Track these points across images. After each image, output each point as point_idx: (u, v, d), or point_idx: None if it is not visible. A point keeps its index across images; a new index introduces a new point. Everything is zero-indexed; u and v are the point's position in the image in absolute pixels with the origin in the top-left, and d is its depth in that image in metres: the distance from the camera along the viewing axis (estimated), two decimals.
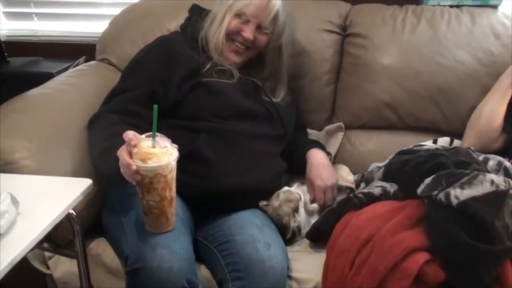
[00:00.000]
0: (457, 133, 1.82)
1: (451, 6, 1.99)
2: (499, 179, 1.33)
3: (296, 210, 1.58)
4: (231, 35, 1.66)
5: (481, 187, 1.30)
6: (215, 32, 1.65)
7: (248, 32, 1.64)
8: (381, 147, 1.89)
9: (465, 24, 1.90)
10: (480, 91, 1.81)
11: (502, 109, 1.67)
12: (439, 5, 2.01)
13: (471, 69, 1.84)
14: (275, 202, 1.57)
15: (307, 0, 2.09)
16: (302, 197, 1.63)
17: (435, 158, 1.44)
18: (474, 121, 1.71)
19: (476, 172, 1.34)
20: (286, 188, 1.62)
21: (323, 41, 1.98)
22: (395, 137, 1.92)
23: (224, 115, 1.59)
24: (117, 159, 1.25)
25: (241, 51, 1.68)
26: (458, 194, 1.29)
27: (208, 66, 1.63)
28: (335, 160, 1.92)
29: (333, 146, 1.93)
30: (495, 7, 1.96)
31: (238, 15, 1.64)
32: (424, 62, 1.87)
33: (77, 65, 2.17)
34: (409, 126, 1.93)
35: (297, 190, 1.65)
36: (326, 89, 1.99)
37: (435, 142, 1.78)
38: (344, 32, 2.01)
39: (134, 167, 1.19)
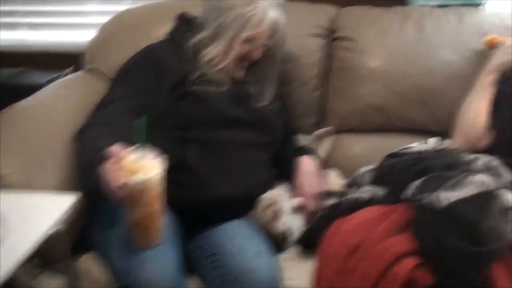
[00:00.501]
0: (448, 134, 1.80)
1: (438, 6, 1.99)
2: (488, 180, 1.34)
3: (279, 212, 1.56)
4: (240, 58, 1.66)
5: (469, 188, 1.31)
6: (222, 57, 1.62)
7: (258, 53, 1.66)
8: (370, 150, 1.89)
9: (452, 24, 1.90)
10: (465, 93, 1.78)
11: (484, 107, 1.66)
12: (425, 5, 2.01)
13: (459, 69, 1.84)
14: (256, 211, 1.57)
15: (295, 4, 2.08)
16: (284, 194, 1.63)
17: (423, 161, 1.45)
18: (459, 121, 1.71)
19: (465, 174, 1.34)
20: (264, 194, 1.60)
21: (311, 45, 1.98)
22: (385, 140, 1.91)
23: (212, 124, 1.58)
24: (101, 174, 1.24)
25: (245, 66, 1.70)
26: (446, 196, 1.29)
27: (196, 75, 1.62)
28: (325, 164, 1.90)
29: (323, 150, 1.92)
30: (479, 5, 1.97)
31: (249, 41, 1.63)
32: (411, 64, 1.88)
33: (66, 75, 2.16)
34: (398, 129, 1.92)
35: (277, 191, 1.63)
36: (314, 94, 1.99)
37: (422, 144, 1.76)
38: (332, 36, 2.01)
39: (120, 182, 1.19)
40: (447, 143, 1.75)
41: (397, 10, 1.99)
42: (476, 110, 1.67)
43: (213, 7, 1.66)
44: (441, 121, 1.86)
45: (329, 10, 2.07)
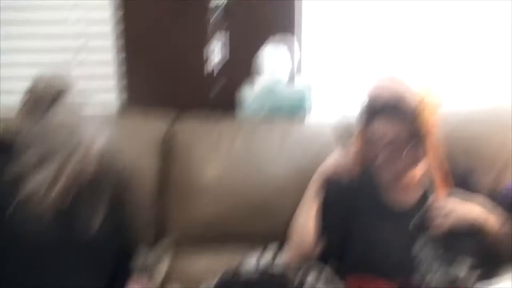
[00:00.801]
0: (280, 245, 1.88)
1: (264, 119, 2.08)
2: None
3: None
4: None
5: None
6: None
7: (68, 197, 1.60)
8: (212, 263, 1.90)
9: (278, 138, 2.01)
10: (294, 205, 1.86)
11: (312, 217, 1.76)
12: (253, 118, 2.09)
13: (285, 183, 1.94)
14: None
15: (129, 117, 2.14)
16: None
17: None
18: (290, 234, 1.80)
19: None
20: None
21: (147, 158, 2.00)
22: (224, 253, 1.94)
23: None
24: None
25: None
26: None
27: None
28: (168, 279, 1.91)
29: (164, 265, 1.92)
30: (306, 118, 2.09)
31: None
32: (243, 178, 1.96)
33: None
34: (237, 239, 1.97)
35: None
36: (153, 206, 2.00)
37: (261, 255, 1.79)
38: (168, 149, 2.04)
39: None
40: (282, 256, 1.80)
41: (228, 123, 2.08)
42: (304, 222, 1.77)
43: (36, 133, 1.56)
44: (276, 231, 1.92)
45: (168, 118, 2.10)
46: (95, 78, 2.21)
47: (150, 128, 2.09)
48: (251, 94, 2.10)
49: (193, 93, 2.14)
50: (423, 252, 1.66)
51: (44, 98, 1.55)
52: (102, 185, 1.66)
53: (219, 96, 2.13)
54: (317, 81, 2.20)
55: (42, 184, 1.51)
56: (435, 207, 1.68)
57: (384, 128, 1.68)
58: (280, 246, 1.84)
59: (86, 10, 2.16)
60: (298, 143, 2.01)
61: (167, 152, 2.04)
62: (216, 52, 2.04)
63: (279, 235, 1.90)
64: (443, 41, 2.23)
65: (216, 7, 1.99)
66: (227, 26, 2.07)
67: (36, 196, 1.51)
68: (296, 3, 2.12)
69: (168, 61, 2.15)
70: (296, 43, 2.14)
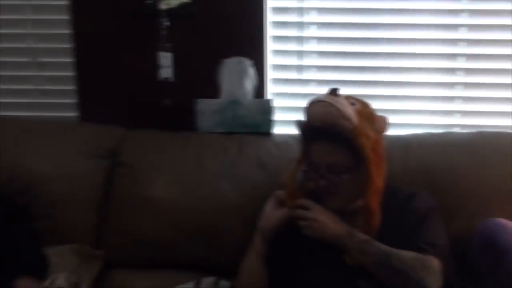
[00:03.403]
0: (223, 271, 1.72)
1: (223, 133, 1.95)
2: None
3: None
4: None
5: None
6: None
7: None
8: None
9: (231, 154, 1.86)
10: (244, 225, 1.72)
11: (259, 266, 1.59)
12: (211, 132, 1.96)
13: (235, 202, 1.77)
14: None
15: (83, 124, 2.07)
16: None
17: None
18: (238, 277, 1.64)
19: None
20: None
21: (91, 167, 1.88)
22: (161, 277, 1.77)
23: None
24: None
25: None
26: None
27: None
28: None
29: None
30: (266, 134, 1.95)
31: None
32: (187, 195, 1.79)
33: None
34: (173, 265, 1.80)
35: None
36: (92, 219, 1.84)
37: (198, 283, 1.68)
38: (115, 160, 1.90)
39: None
40: (223, 284, 1.68)
41: (182, 136, 1.93)
42: (250, 269, 1.61)
43: None
44: (216, 258, 1.77)
45: (117, 133, 1.98)
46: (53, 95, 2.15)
47: (104, 134, 1.97)
48: (210, 107, 1.97)
49: (146, 108, 2.02)
50: None
51: None
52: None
53: (175, 111, 2.00)
54: (280, 99, 2.07)
55: None
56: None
57: (319, 156, 1.55)
58: (218, 281, 1.68)
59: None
60: (258, 157, 1.85)
61: (115, 166, 1.89)
62: (167, 67, 1.93)
63: (218, 265, 1.75)
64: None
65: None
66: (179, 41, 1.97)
67: None
68: (259, 20, 2.00)
69: (119, 77, 2.05)
70: (260, 60, 2.02)
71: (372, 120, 1.54)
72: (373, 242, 1.48)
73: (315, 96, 1.54)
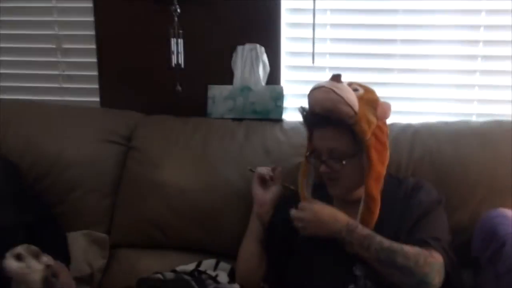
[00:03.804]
0: (225, 255, 1.76)
1: (233, 120, 1.98)
2: None
3: None
4: None
5: None
6: None
7: None
8: (150, 268, 1.74)
9: (238, 140, 1.88)
10: (246, 211, 1.74)
11: (258, 251, 1.65)
12: (222, 118, 1.99)
13: (238, 188, 1.79)
14: None
15: (100, 109, 2.13)
16: None
17: None
18: (237, 261, 1.69)
19: None
20: None
21: (105, 152, 1.94)
22: (164, 258, 1.82)
23: None
24: None
25: None
26: None
27: None
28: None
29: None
30: (277, 121, 1.96)
31: None
32: (192, 180, 1.82)
33: None
34: (177, 247, 1.84)
35: None
36: (104, 202, 1.91)
37: (199, 264, 1.71)
38: (129, 145, 1.97)
39: None
40: (223, 266, 1.71)
41: (193, 121, 1.97)
42: (246, 252, 1.67)
43: None
44: (217, 241, 1.81)
45: (133, 118, 2.04)
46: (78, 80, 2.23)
47: (120, 119, 2.04)
48: (221, 93, 2.01)
49: (161, 94, 2.05)
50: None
51: None
52: None
53: (188, 97, 2.01)
54: (294, 86, 2.07)
55: None
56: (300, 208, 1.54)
57: (321, 142, 1.57)
58: (217, 264, 1.71)
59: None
60: (263, 143, 1.86)
61: (129, 150, 1.96)
62: (178, 52, 1.94)
63: (219, 248, 1.79)
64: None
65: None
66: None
67: None
68: (275, 8, 2.00)
69: (136, 63, 2.10)
70: (275, 47, 2.02)
71: (375, 106, 1.53)
72: (375, 236, 1.47)
73: (317, 82, 1.54)
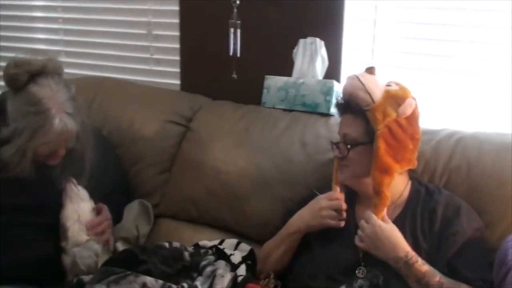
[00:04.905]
0: (248, 236, 1.85)
1: (284, 110, 2.02)
2: (154, 283, 1.42)
3: None
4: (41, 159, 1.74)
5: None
6: (16, 161, 1.66)
7: (57, 156, 1.74)
8: (182, 239, 1.86)
9: (278, 129, 1.92)
10: (272, 198, 1.81)
11: (279, 251, 1.66)
12: (274, 108, 2.04)
13: (266, 175, 1.85)
14: None
15: (168, 90, 2.29)
16: None
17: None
18: (263, 256, 1.72)
19: (128, 272, 1.44)
20: None
21: (166, 131, 2.09)
22: (195, 231, 1.95)
23: None
24: None
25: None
26: None
27: None
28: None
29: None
30: (325, 115, 1.96)
31: (44, 146, 1.69)
32: (227, 162, 1.91)
33: None
34: (207, 223, 1.95)
35: None
36: (161, 177, 2.07)
37: (221, 242, 1.79)
38: (188, 125, 2.11)
39: None
40: (243, 247, 1.77)
41: (244, 108, 2.06)
42: (269, 253, 1.69)
43: (15, 108, 1.71)
44: (241, 223, 1.88)
45: (199, 101, 2.18)
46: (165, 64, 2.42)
47: (184, 101, 2.19)
48: (276, 84, 2.06)
49: (224, 82, 2.15)
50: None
51: (17, 78, 1.69)
52: (83, 150, 1.78)
53: (246, 85, 2.11)
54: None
55: (10, 157, 1.65)
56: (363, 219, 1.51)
57: (340, 127, 1.62)
58: (238, 244, 1.79)
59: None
60: (301, 135, 1.89)
61: (187, 131, 2.10)
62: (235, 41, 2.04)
63: (243, 229, 1.87)
64: None
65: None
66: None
67: (9, 165, 1.66)
68: (339, 3, 2.00)
69: (206, 50, 2.24)
70: (336, 42, 2.02)
71: (400, 102, 1.52)
72: (434, 275, 1.43)
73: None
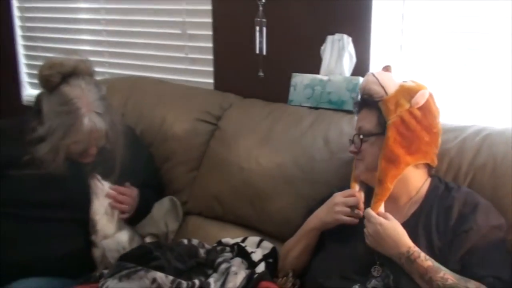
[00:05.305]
0: (270, 234, 1.85)
1: (310, 108, 2.01)
2: (164, 279, 1.44)
3: None
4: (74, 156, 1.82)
5: (138, 282, 1.43)
6: (51, 159, 1.74)
7: (89, 154, 1.82)
8: (208, 236, 1.91)
9: (302, 127, 1.91)
10: (294, 197, 1.81)
11: (297, 249, 1.65)
12: (300, 105, 2.03)
13: (289, 173, 1.84)
14: None
15: (198, 88, 2.32)
16: None
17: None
18: (285, 255, 1.72)
19: (139, 268, 1.46)
20: None
21: (197, 129, 2.13)
22: (220, 229, 1.97)
23: (23, 205, 1.80)
24: None
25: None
26: (112, 285, 1.43)
27: (26, 158, 1.77)
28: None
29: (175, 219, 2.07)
30: (351, 112, 1.90)
31: (76, 144, 1.78)
32: (248, 160, 1.92)
33: None
34: (232, 221, 1.97)
35: None
36: (190, 175, 2.11)
37: (244, 240, 1.81)
38: (217, 124, 2.14)
39: None
40: (265, 245, 1.78)
41: (271, 106, 2.07)
42: (289, 249, 1.68)
43: (49, 107, 1.79)
44: (263, 221, 1.89)
45: (229, 100, 2.21)
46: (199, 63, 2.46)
47: (215, 100, 2.22)
48: (302, 82, 2.05)
49: (253, 80, 2.16)
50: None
51: (50, 79, 1.78)
52: (114, 148, 1.85)
53: (272, 83, 2.13)
54: None
55: (44, 154, 1.74)
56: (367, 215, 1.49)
57: (357, 122, 1.63)
58: (260, 242, 1.80)
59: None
60: (325, 132, 1.87)
61: (215, 129, 2.12)
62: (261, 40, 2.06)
63: (266, 227, 1.88)
64: None
65: None
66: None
67: (43, 162, 1.74)
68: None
69: (236, 50, 2.25)
70: (364, 38, 1.98)
71: (413, 94, 1.51)
72: (438, 270, 1.39)
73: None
